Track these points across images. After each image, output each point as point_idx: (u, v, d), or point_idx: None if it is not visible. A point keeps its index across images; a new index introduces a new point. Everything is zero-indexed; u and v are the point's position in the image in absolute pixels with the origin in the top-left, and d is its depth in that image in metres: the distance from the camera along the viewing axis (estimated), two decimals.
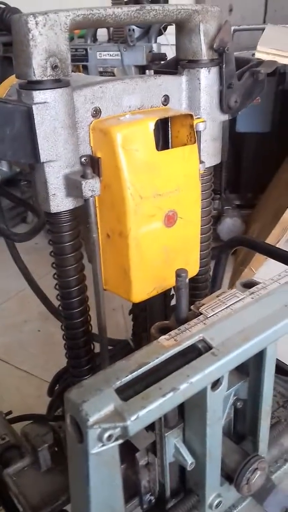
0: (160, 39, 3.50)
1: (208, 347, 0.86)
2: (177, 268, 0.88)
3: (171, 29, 3.03)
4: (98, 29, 3.81)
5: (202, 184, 1.15)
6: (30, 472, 1.19)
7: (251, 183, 3.29)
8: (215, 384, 0.91)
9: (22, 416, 1.65)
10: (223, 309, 0.96)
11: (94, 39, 3.62)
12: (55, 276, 1.05)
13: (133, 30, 3.21)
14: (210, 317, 0.93)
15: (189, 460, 0.99)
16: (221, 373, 0.86)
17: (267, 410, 1.09)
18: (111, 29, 3.60)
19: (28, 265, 1.52)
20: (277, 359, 1.65)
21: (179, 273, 0.89)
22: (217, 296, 1.00)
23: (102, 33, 3.98)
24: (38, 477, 1.18)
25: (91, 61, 3.23)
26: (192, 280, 1.34)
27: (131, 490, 1.18)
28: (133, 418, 0.72)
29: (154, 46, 3.23)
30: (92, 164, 0.93)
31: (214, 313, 0.94)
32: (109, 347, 1.38)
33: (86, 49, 3.21)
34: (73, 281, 1.04)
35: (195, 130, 1.01)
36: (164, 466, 1.03)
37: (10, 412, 1.58)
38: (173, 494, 1.08)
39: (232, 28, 2.50)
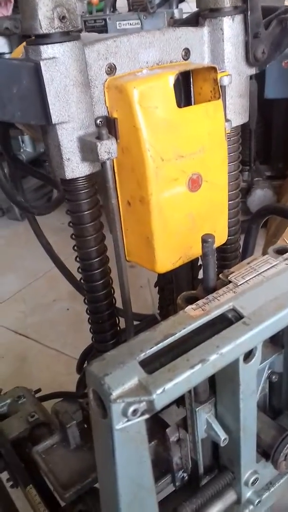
0: (183, 6, 3.36)
1: (239, 317, 0.80)
2: None
3: None
4: (118, 1, 3.70)
5: (228, 145, 1.07)
6: (59, 450, 1.17)
7: (282, 153, 3.14)
8: (248, 356, 0.86)
9: (51, 394, 1.64)
10: (254, 277, 0.89)
11: (114, 10, 3.51)
12: (75, 248, 1.00)
13: None
14: (240, 285, 0.87)
15: (222, 436, 0.94)
16: (253, 344, 0.80)
17: None
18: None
19: (54, 245, 1.49)
20: None
21: (205, 239, 0.83)
22: (248, 263, 0.93)
23: (121, 5, 3.86)
24: (67, 454, 1.16)
25: (111, 31, 3.13)
26: (221, 249, 1.27)
27: (163, 467, 1.15)
28: (159, 391, 0.67)
29: (176, 12, 3.10)
30: (109, 126, 0.87)
31: (245, 280, 0.88)
32: (135, 323, 1.34)
33: (105, 19, 3.11)
34: (94, 252, 0.99)
35: (219, 84, 0.94)
36: (196, 442, 0.99)
37: (39, 390, 1.57)
38: (207, 471, 1.04)
39: None
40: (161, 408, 0.70)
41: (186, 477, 1.10)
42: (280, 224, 2.45)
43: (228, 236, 1.21)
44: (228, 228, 1.19)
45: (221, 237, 1.07)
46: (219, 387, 0.93)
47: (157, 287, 1.27)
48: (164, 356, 0.74)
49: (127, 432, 0.70)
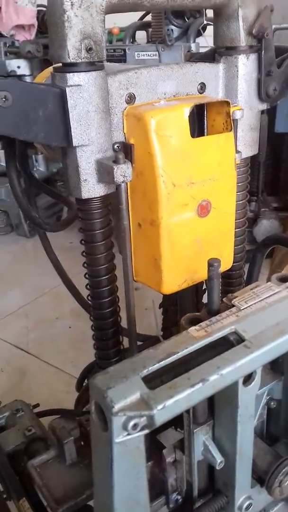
0: (200, 40, 3.48)
1: (241, 340, 0.83)
2: None
3: (210, 30, 2.99)
4: (137, 32, 3.83)
5: (238, 175, 1.11)
6: (55, 465, 1.18)
7: None
8: (248, 379, 0.88)
9: (50, 411, 1.64)
10: (257, 302, 0.92)
11: (133, 40, 3.63)
12: (85, 265, 1.04)
13: (172, 30, 3.19)
14: (243, 309, 0.90)
15: (218, 458, 0.95)
16: (253, 367, 0.82)
17: None
18: (150, 31, 3.59)
19: (63, 263, 1.52)
20: None
21: (211, 263, 0.86)
22: (251, 289, 0.96)
23: (140, 37, 3.99)
24: (62, 470, 1.16)
25: (129, 61, 3.23)
26: (226, 275, 1.30)
27: (157, 489, 1.15)
28: (159, 407, 0.69)
29: (193, 46, 3.21)
30: (125, 151, 0.91)
31: (248, 305, 0.91)
32: (139, 343, 1.36)
33: (124, 50, 3.22)
34: (103, 270, 1.02)
35: (231, 118, 0.98)
36: (192, 464, 1.00)
37: (37, 405, 1.57)
38: (201, 494, 1.04)
39: (273, 27, 2.45)
40: (160, 425, 0.72)
41: (180, 500, 1.10)
42: (285, 255, 2.47)
43: (234, 263, 1.24)
44: (234, 254, 1.22)
45: (226, 263, 1.10)
46: (218, 409, 0.95)
47: (162, 308, 1.29)
48: (166, 373, 0.76)
49: (126, 446, 0.72)
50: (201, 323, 0.86)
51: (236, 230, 1.19)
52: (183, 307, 1.22)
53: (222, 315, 0.88)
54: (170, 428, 1.14)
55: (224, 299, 0.94)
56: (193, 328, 0.84)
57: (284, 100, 3.17)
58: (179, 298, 1.10)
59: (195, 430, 0.96)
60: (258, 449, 1.06)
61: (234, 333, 0.84)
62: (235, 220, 1.17)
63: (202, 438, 0.97)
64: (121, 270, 1.02)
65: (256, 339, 0.82)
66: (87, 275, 1.05)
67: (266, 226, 2.77)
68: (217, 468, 0.96)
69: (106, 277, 1.04)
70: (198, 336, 0.82)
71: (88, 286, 1.06)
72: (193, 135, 0.92)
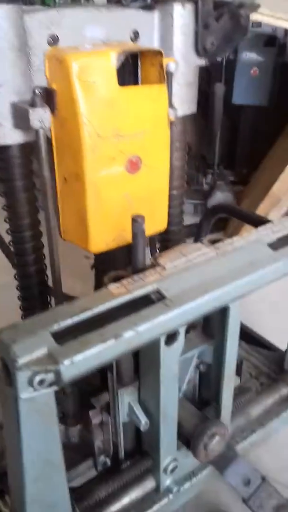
0: None
1: (162, 298, 0.80)
2: None
3: None
4: None
5: (174, 134, 1.08)
6: None
7: (247, 159, 3.19)
8: (171, 340, 0.86)
9: None
10: (183, 262, 0.90)
11: None
12: (6, 220, 0.98)
13: None
14: (168, 268, 0.87)
15: (142, 419, 0.94)
16: (173, 326, 0.80)
17: (230, 375, 1.03)
18: None
19: None
20: (252, 331, 1.60)
21: (135, 218, 0.83)
22: (179, 250, 0.93)
23: None
24: None
25: None
26: (163, 239, 1.28)
27: (87, 451, 1.14)
28: (67, 362, 0.66)
29: None
30: (48, 97, 0.86)
31: (173, 265, 0.88)
32: None
33: None
34: (25, 225, 0.97)
35: (165, 69, 0.94)
36: (117, 426, 0.99)
37: None
38: (128, 457, 1.03)
39: None
40: (71, 382, 0.69)
41: (109, 462, 1.09)
42: (237, 227, 2.48)
43: (172, 227, 1.22)
44: (171, 217, 1.20)
45: (160, 224, 1.07)
46: (143, 370, 0.93)
47: (93, 269, 1.25)
48: (79, 330, 0.73)
49: (34, 403, 0.69)
50: (122, 281, 0.83)
51: (174, 192, 1.17)
52: (115, 268, 1.18)
53: (145, 274, 0.85)
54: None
55: (150, 258, 0.91)
56: (113, 285, 0.81)
57: (242, 71, 3.12)
58: (111, 259, 1.06)
59: (119, 391, 0.94)
60: (186, 412, 1.05)
61: (156, 292, 0.82)
62: (172, 181, 1.14)
63: (127, 399, 0.96)
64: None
65: (177, 297, 0.80)
66: (9, 231, 1.00)
67: (220, 198, 2.76)
68: (142, 429, 0.95)
69: (30, 233, 0.99)
70: (117, 293, 0.79)
71: (11, 243, 1.01)
72: (121, 84, 0.87)
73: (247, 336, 1.51)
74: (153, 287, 0.81)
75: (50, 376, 0.66)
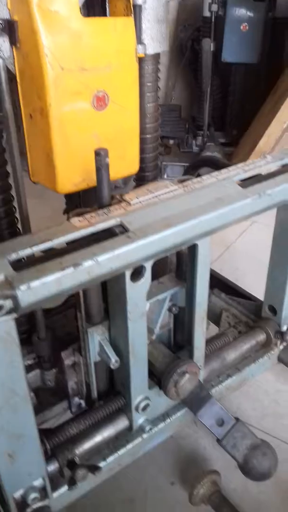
0: None
1: (125, 231, 0.80)
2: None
3: None
4: None
5: (146, 73, 1.05)
6: None
7: (237, 120, 3.13)
8: (136, 275, 0.86)
9: None
10: (150, 198, 0.89)
11: None
12: None
13: None
14: (133, 204, 0.87)
15: (112, 357, 0.95)
16: (136, 258, 0.80)
17: (201, 316, 1.04)
18: None
19: None
20: (233, 283, 1.60)
21: (98, 151, 0.81)
22: (147, 187, 0.93)
23: None
24: None
25: None
26: (138, 186, 1.26)
27: (62, 395, 1.15)
28: (23, 287, 0.66)
29: None
30: (10, 29, 0.83)
31: (139, 200, 0.88)
32: None
33: None
34: None
35: (131, 2, 0.91)
36: (89, 365, 1.00)
37: None
38: (101, 397, 1.05)
39: None
40: (29, 308, 0.69)
41: (83, 404, 1.10)
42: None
43: (146, 172, 1.21)
44: (146, 163, 1.18)
45: (132, 166, 1.05)
46: (111, 308, 0.94)
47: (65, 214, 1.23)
48: (38, 260, 0.73)
49: None
50: (85, 215, 0.82)
51: (147, 136, 1.15)
52: None
53: (110, 209, 0.84)
54: None
55: (116, 195, 0.90)
56: (76, 218, 0.81)
57: (231, 27, 3.02)
58: (82, 203, 1.05)
59: (89, 330, 0.95)
60: (158, 353, 1.07)
61: (119, 226, 0.81)
62: (145, 124, 1.12)
63: (97, 338, 0.96)
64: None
65: (140, 231, 0.80)
66: None
67: None
68: (112, 367, 0.96)
69: None
70: (79, 226, 0.79)
71: None
72: (84, 14, 0.85)
73: (228, 288, 1.52)
74: (116, 221, 0.81)
75: (8, 303, 0.67)
